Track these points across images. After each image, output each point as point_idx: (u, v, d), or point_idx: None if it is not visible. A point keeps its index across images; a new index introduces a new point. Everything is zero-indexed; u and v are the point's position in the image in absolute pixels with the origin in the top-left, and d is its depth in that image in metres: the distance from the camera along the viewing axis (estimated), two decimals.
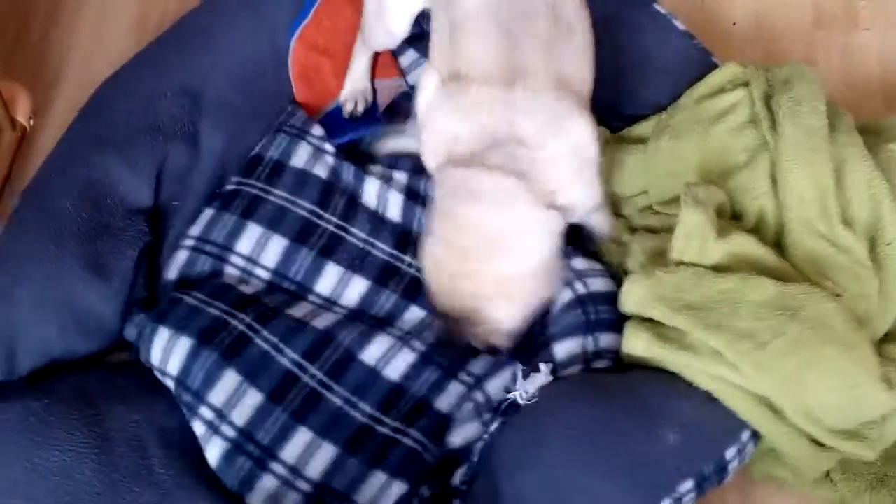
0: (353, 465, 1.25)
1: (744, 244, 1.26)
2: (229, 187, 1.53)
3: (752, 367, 1.16)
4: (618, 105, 1.54)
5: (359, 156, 1.59)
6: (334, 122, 1.62)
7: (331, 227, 1.47)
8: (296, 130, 1.58)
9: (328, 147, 1.56)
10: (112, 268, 1.37)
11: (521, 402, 1.24)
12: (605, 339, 1.32)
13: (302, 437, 1.26)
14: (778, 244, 1.33)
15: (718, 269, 1.24)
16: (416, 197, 1.51)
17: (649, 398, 1.20)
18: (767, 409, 1.19)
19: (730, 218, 1.36)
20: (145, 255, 1.45)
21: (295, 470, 1.25)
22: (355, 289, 1.43)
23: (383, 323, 1.40)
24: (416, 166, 1.48)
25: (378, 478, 1.25)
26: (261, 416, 1.27)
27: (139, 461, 1.21)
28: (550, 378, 1.26)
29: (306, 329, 1.34)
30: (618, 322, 1.32)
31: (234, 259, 1.45)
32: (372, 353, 1.33)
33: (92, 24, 1.93)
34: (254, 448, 1.25)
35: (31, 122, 1.79)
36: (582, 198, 1.26)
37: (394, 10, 1.46)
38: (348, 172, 1.53)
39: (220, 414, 1.27)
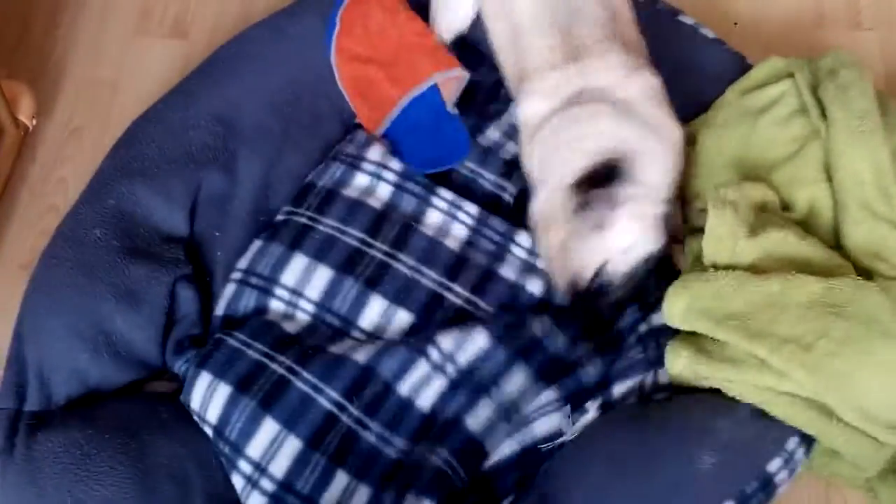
0: (388, 499, 1.25)
1: (779, 240, 1.23)
2: (280, 217, 1.51)
3: (801, 371, 1.13)
4: None
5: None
6: (398, 131, 1.57)
7: (379, 255, 1.43)
8: (350, 159, 1.54)
9: (387, 175, 1.52)
10: (143, 294, 1.37)
11: (568, 439, 1.26)
12: (662, 375, 1.29)
13: (340, 481, 1.26)
14: (833, 232, 1.31)
15: (757, 269, 1.21)
16: (480, 232, 1.48)
17: (686, 420, 1.19)
18: (819, 412, 1.16)
19: (781, 210, 1.35)
20: (189, 287, 1.44)
21: None
22: (398, 324, 1.39)
23: (423, 346, 1.35)
24: (486, 196, 1.52)
25: (409, 501, 1.25)
26: (300, 465, 1.25)
27: (183, 498, 1.21)
28: (597, 414, 1.27)
29: (347, 364, 1.31)
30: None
31: (279, 292, 1.42)
32: (409, 382, 1.31)
33: (94, 24, 1.92)
34: (293, 499, 1.23)
35: (34, 121, 1.79)
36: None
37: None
38: (408, 203, 1.49)
39: (259, 467, 1.25)
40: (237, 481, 1.26)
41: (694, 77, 1.53)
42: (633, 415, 1.24)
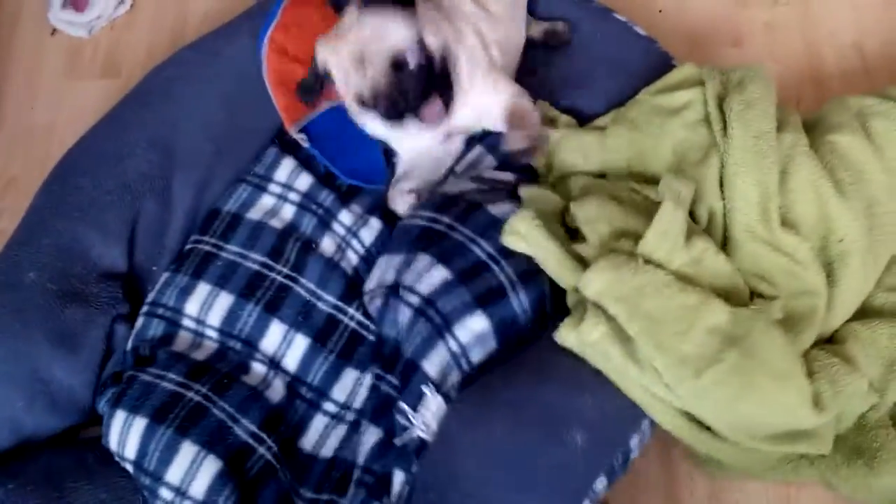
0: None
1: (705, 251, 1.27)
2: (188, 246, 1.52)
3: (688, 394, 1.17)
4: (584, 102, 1.57)
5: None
6: (317, 130, 1.58)
7: (279, 278, 1.46)
8: (257, 180, 1.57)
9: (291, 196, 1.55)
10: (81, 338, 1.37)
11: (424, 436, 1.22)
12: (464, 330, 1.25)
13: None
14: (724, 247, 1.35)
15: (678, 274, 1.24)
16: (373, 260, 1.49)
17: (552, 401, 1.17)
18: (695, 423, 1.21)
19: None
20: (124, 325, 1.44)
21: None
22: (297, 349, 1.42)
23: (318, 398, 1.41)
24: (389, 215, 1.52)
25: None
26: (220, 484, 1.26)
27: None
28: (441, 401, 1.23)
29: (261, 399, 1.36)
30: (469, 303, 1.26)
31: (185, 321, 1.44)
32: (311, 438, 1.38)
33: (24, 70, 1.91)
34: None
35: None
36: None
37: None
38: (308, 224, 1.52)
39: (179, 491, 1.26)
40: None
41: (622, 76, 1.56)
42: (492, 406, 1.18)
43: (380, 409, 1.34)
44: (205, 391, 1.33)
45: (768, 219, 1.30)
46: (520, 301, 1.28)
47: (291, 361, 1.42)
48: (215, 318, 1.43)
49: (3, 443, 1.31)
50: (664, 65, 1.56)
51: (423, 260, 1.32)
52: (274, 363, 1.42)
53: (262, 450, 1.31)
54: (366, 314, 1.45)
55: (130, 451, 1.28)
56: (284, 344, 1.42)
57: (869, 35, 1.79)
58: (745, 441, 1.20)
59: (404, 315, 1.31)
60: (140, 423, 1.29)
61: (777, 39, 1.80)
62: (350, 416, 1.40)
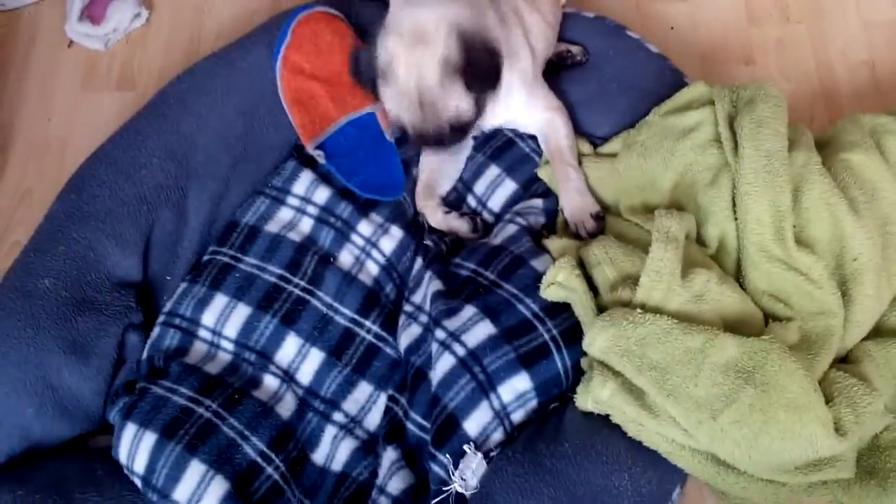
0: None
1: (706, 284, 1.26)
2: (206, 257, 1.53)
3: (707, 437, 1.16)
4: (597, 124, 1.58)
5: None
6: (334, 147, 1.60)
7: (297, 291, 1.47)
8: (275, 192, 1.57)
9: (310, 209, 1.56)
10: (93, 346, 1.37)
11: (464, 492, 1.22)
12: (507, 389, 1.27)
13: None
14: (738, 270, 1.35)
15: (682, 316, 1.24)
16: (393, 269, 1.53)
17: (594, 473, 1.18)
18: (718, 463, 1.20)
19: (695, 241, 1.39)
20: (137, 334, 1.44)
21: None
22: (311, 362, 1.42)
23: (329, 409, 1.41)
24: (409, 224, 1.55)
25: None
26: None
27: None
28: (484, 461, 1.23)
29: (271, 415, 1.35)
30: (513, 361, 1.28)
31: (201, 332, 1.45)
32: (322, 452, 1.38)
33: (40, 83, 1.92)
34: None
35: None
36: None
37: None
38: (327, 237, 1.53)
39: None
40: None
41: (635, 93, 1.57)
42: (537, 475, 1.19)
43: (393, 432, 1.36)
44: (215, 407, 1.33)
45: (783, 238, 1.29)
46: (563, 360, 1.30)
47: (305, 375, 1.43)
48: (232, 329, 1.43)
49: (12, 449, 1.32)
50: (677, 82, 1.57)
51: (468, 311, 1.34)
52: (288, 375, 1.42)
53: (269, 469, 1.31)
54: (383, 326, 1.46)
55: (139, 466, 1.29)
56: (299, 357, 1.43)
57: (881, 53, 1.79)
58: (774, 476, 1.18)
59: (446, 362, 1.31)
60: (150, 438, 1.29)
61: (789, 57, 1.81)
62: (359, 432, 1.40)
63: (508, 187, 1.56)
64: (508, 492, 1.19)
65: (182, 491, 1.26)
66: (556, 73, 1.63)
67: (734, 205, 1.35)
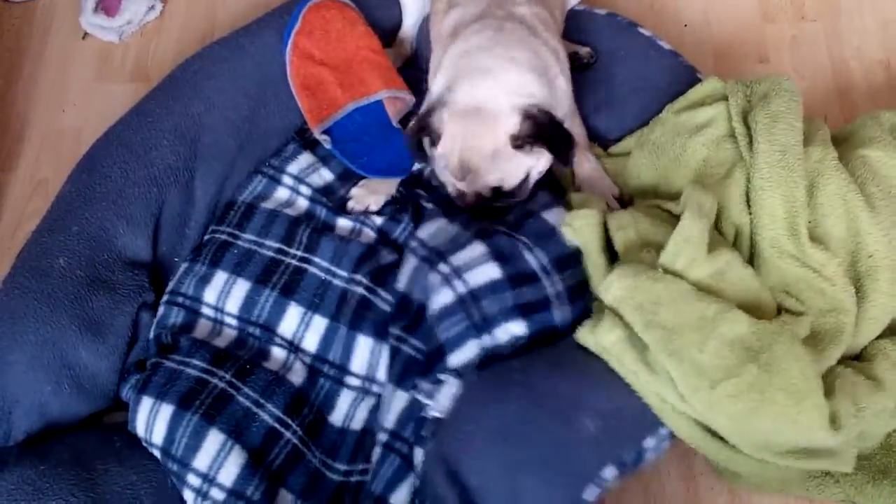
0: None
1: (729, 263, 1.26)
2: (206, 237, 1.55)
3: (702, 405, 1.16)
4: (611, 124, 1.58)
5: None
6: (341, 132, 1.61)
7: (294, 262, 1.48)
8: (272, 171, 1.59)
9: (303, 189, 1.58)
10: (107, 325, 1.38)
11: (438, 415, 1.24)
12: (499, 335, 1.27)
13: (287, 498, 1.29)
14: (752, 262, 1.34)
15: (701, 286, 1.23)
16: (387, 241, 1.53)
17: (567, 389, 1.18)
18: (707, 432, 1.20)
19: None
20: (149, 313, 1.46)
21: None
22: (315, 329, 1.42)
23: (340, 373, 1.41)
24: (394, 211, 1.54)
25: None
26: (247, 475, 1.27)
27: None
28: (460, 384, 1.25)
29: (283, 383, 1.36)
30: (508, 310, 1.27)
31: (204, 309, 1.46)
32: (339, 413, 1.39)
33: (54, 73, 1.93)
34: None
35: None
36: None
37: None
38: (321, 212, 1.55)
39: (207, 477, 1.27)
40: (188, 496, 1.28)
41: (648, 91, 1.56)
42: (506, 387, 1.20)
43: (404, 373, 1.35)
44: (229, 377, 1.34)
45: (796, 234, 1.29)
46: (563, 315, 1.29)
47: (311, 342, 1.43)
48: (233, 305, 1.45)
49: (31, 426, 1.33)
50: (690, 79, 1.56)
51: (477, 249, 1.33)
52: (293, 346, 1.43)
53: (288, 434, 1.32)
54: (373, 279, 1.44)
55: (158, 437, 1.30)
56: (302, 325, 1.43)
57: None
58: (761, 455, 1.19)
59: (445, 296, 1.31)
60: (167, 410, 1.30)
61: (803, 55, 1.81)
62: (376, 388, 1.40)
63: None
64: (472, 402, 1.20)
65: (202, 459, 1.27)
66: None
67: (748, 200, 1.35)
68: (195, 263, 1.50)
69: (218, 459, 1.27)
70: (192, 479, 1.28)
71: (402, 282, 1.41)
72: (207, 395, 1.32)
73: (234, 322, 1.45)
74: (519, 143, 1.30)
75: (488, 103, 1.30)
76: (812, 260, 1.28)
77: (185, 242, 1.54)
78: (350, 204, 1.55)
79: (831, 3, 1.86)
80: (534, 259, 1.32)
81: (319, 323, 1.43)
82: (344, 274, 1.46)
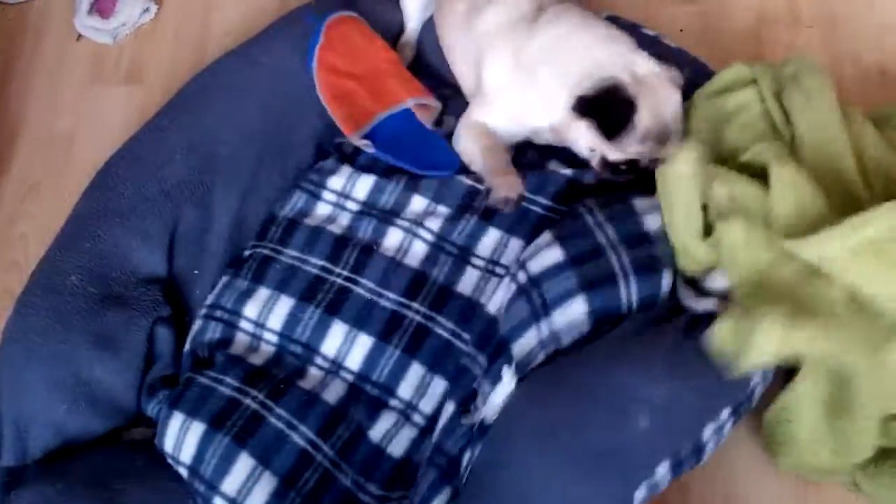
0: None
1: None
2: (247, 252, 1.53)
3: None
4: None
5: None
6: (378, 139, 1.58)
7: (339, 281, 1.44)
8: (312, 187, 1.56)
9: (349, 205, 1.53)
10: (122, 340, 1.37)
11: (488, 421, 1.21)
12: (558, 319, 1.23)
13: None
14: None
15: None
16: (442, 248, 1.46)
17: (620, 383, 1.13)
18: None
19: None
20: (166, 328, 1.45)
21: None
22: (360, 349, 1.38)
23: (384, 394, 1.36)
24: (460, 206, 1.47)
25: None
26: (277, 500, 1.24)
27: None
28: (514, 385, 1.21)
29: (318, 403, 1.32)
30: (567, 291, 1.22)
31: (243, 324, 1.43)
32: (378, 430, 1.33)
33: (48, 75, 1.93)
34: None
35: None
36: None
37: None
38: (366, 229, 1.49)
39: (234, 502, 1.25)
40: None
41: None
42: (554, 385, 1.17)
43: (457, 380, 1.31)
44: (261, 398, 1.31)
45: (857, 198, 1.26)
46: (629, 292, 1.23)
47: (354, 361, 1.38)
48: (276, 321, 1.42)
49: (47, 444, 1.32)
50: (704, 71, 1.55)
51: (544, 238, 1.31)
52: (336, 364, 1.38)
53: (319, 457, 1.28)
54: (432, 307, 1.39)
55: (187, 456, 1.28)
56: (347, 343, 1.39)
57: (893, 58, 1.78)
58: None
59: (508, 291, 1.29)
60: (198, 428, 1.28)
61: None
62: (417, 419, 1.35)
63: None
64: (524, 403, 1.16)
65: (231, 484, 1.25)
66: None
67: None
68: (236, 278, 1.48)
69: (247, 485, 1.25)
70: (219, 503, 1.25)
71: (492, 306, 1.36)
72: (240, 416, 1.29)
73: (274, 339, 1.42)
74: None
75: (646, 69, 1.37)
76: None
77: (206, 256, 1.52)
78: (494, 197, 1.43)
79: (828, 9, 1.86)
80: (602, 235, 1.27)
81: (365, 341, 1.38)
82: (393, 297, 1.42)
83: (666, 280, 1.25)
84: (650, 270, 1.24)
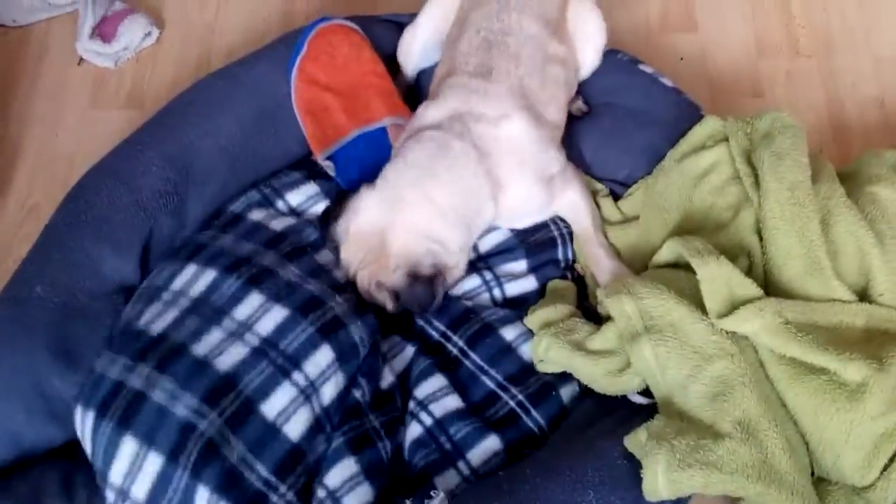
0: None
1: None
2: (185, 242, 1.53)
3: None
4: (617, 159, 1.57)
5: None
6: (344, 159, 1.60)
7: (266, 262, 1.42)
8: (269, 191, 1.57)
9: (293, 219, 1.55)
10: (81, 352, 1.36)
11: None
12: (475, 454, 1.32)
13: (203, 501, 1.21)
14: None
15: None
16: None
17: (554, 497, 1.17)
18: None
19: None
20: None
21: None
22: (272, 318, 1.34)
23: (289, 364, 1.31)
24: None
25: None
26: (162, 482, 1.21)
27: None
28: (446, 500, 1.25)
29: (207, 371, 1.27)
30: (477, 430, 1.32)
31: (164, 295, 1.41)
32: (274, 406, 1.28)
33: (49, 99, 1.93)
34: None
35: None
36: None
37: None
38: (311, 232, 1.51)
39: (121, 492, 1.22)
40: None
41: (651, 128, 1.56)
42: (493, 492, 1.21)
43: (357, 442, 1.33)
44: (147, 371, 1.28)
45: (821, 266, 1.27)
46: (534, 420, 1.34)
47: (265, 327, 1.34)
48: (196, 289, 1.39)
49: (6, 454, 1.31)
50: (693, 115, 1.56)
51: (438, 381, 1.39)
52: (245, 326, 1.34)
53: (203, 425, 1.24)
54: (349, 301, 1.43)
55: (88, 449, 1.27)
56: (261, 311, 1.35)
57: (890, 89, 1.79)
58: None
59: (414, 430, 1.36)
60: (89, 418, 1.28)
61: (798, 91, 1.81)
62: (315, 403, 1.32)
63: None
64: None
65: (117, 471, 1.22)
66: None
67: (760, 238, 1.34)
68: (168, 262, 1.47)
69: (133, 469, 1.22)
70: (109, 495, 1.23)
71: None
72: (123, 397, 1.26)
73: (186, 304, 1.37)
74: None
75: (390, 238, 1.39)
76: (837, 295, 1.27)
77: None
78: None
79: (826, 39, 1.87)
80: (489, 380, 1.39)
81: (278, 312, 1.35)
82: (318, 284, 1.40)
83: (566, 395, 1.37)
84: (549, 395, 1.35)
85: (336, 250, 1.45)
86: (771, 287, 1.30)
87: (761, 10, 1.92)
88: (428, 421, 1.35)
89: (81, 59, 1.97)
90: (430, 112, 1.47)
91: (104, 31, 1.95)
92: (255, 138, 1.61)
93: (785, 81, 1.83)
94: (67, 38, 1.98)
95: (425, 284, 1.37)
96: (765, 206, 1.32)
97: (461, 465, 1.32)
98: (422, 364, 1.41)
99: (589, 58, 1.61)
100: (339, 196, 1.47)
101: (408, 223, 1.38)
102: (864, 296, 1.29)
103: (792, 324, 1.19)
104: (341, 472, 1.29)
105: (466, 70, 1.48)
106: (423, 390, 1.38)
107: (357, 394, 1.35)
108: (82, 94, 1.93)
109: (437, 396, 1.37)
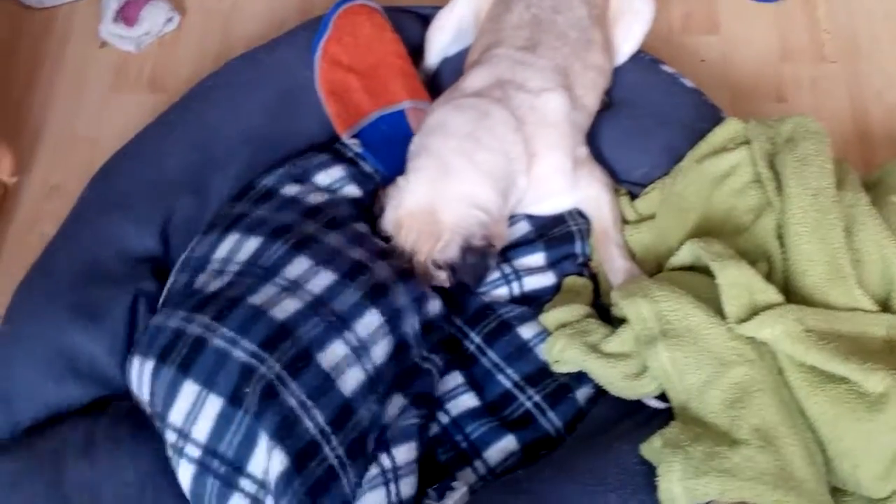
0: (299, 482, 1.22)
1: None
2: (219, 213, 1.53)
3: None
4: (635, 158, 1.56)
5: None
6: (368, 139, 1.60)
7: (310, 230, 1.42)
8: (299, 172, 1.56)
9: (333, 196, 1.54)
10: (104, 310, 1.38)
11: None
12: (492, 453, 1.32)
13: (262, 443, 1.21)
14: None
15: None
16: None
17: (573, 497, 1.17)
18: None
19: None
20: (149, 302, 1.45)
21: (264, 484, 1.20)
22: (322, 279, 1.34)
23: (340, 324, 1.31)
24: None
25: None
26: (222, 424, 1.22)
27: None
28: (467, 493, 1.25)
29: (264, 318, 1.28)
30: (492, 430, 1.33)
31: (211, 266, 1.42)
32: (328, 358, 1.27)
33: (72, 81, 1.94)
34: (218, 465, 1.22)
35: (14, 179, 1.80)
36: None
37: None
38: (346, 207, 1.50)
39: (182, 433, 1.23)
40: (169, 452, 1.25)
41: (670, 128, 1.55)
42: (512, 490, 1.20)
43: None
44: (206, 321, 1.28)
45: (844, 274, 1.25)
46: (550, 421, 1.34)
47: (317, 286, 1.34)
48: (244, 255, 1.40)
49: (32, 415, 1.33)
50: (714, 117, 1.54)
51: (454, 380, 1.40)
52: (296, 284, 1.34)
53: (263, 369, 1.24)
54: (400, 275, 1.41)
55: (146, 394, 1.29)
56: (310, 273, 1.35)
57: None
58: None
59: (431, 428, 1.35)
60: (149, 366, 1.28)
61: (822, 97, 1.80)
62: (367, 364, 1.31)
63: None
64: None
65: (178, 412, 1.23)
66: None
67: (781, 243, 1.32)
68: (207, 235, 1.47)
69: (193, 412, 1.23)
70: (170, 435, 1.24)
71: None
72: (183, 344, 1.27)
73: (236, 268, 1.39)
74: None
75: (440, 212, 1.38)
76: (860, 305, 1.25)
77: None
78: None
79: (852, 45, 1.86)
80: (506, 378, 1.38)
81: (327, 276, 1.34)
82: (361, 250, 1.39)
83: (582, 396, 1.36)
84: (566, 396, 1.35)
85: (389, 241, 1.43)
86: (791, 293, 1.29)
87: (785, 14, 1.91)
88: (444, 419, 1.36)
89: (104, 43, 1.97)
90: (474, 77, 1.48)
91: (127, 15, 1.95)
92: (279, 121, 1.62)
93: (809, 86, 1.81)
94: (91, 21, 1.99)
95: (479, 255, 1.37)
96: (787, 212, 1.30)
97: (478, 463, 1.32)
98: (442, 362, 1.41)
99: (634, 36, 1.62)
100: (375, 193, 1.48)
101: (456, 192, 1.38)
102: (886, 306, 1.27)
103: (813, 331, 1.18)
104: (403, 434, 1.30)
105: (514, 44, 1.50)
106: (439, 387, 1.38)
107: (414, 354, 1.35)
108: (104, 77, 1.94)
109: (454, 394, 1.38)
